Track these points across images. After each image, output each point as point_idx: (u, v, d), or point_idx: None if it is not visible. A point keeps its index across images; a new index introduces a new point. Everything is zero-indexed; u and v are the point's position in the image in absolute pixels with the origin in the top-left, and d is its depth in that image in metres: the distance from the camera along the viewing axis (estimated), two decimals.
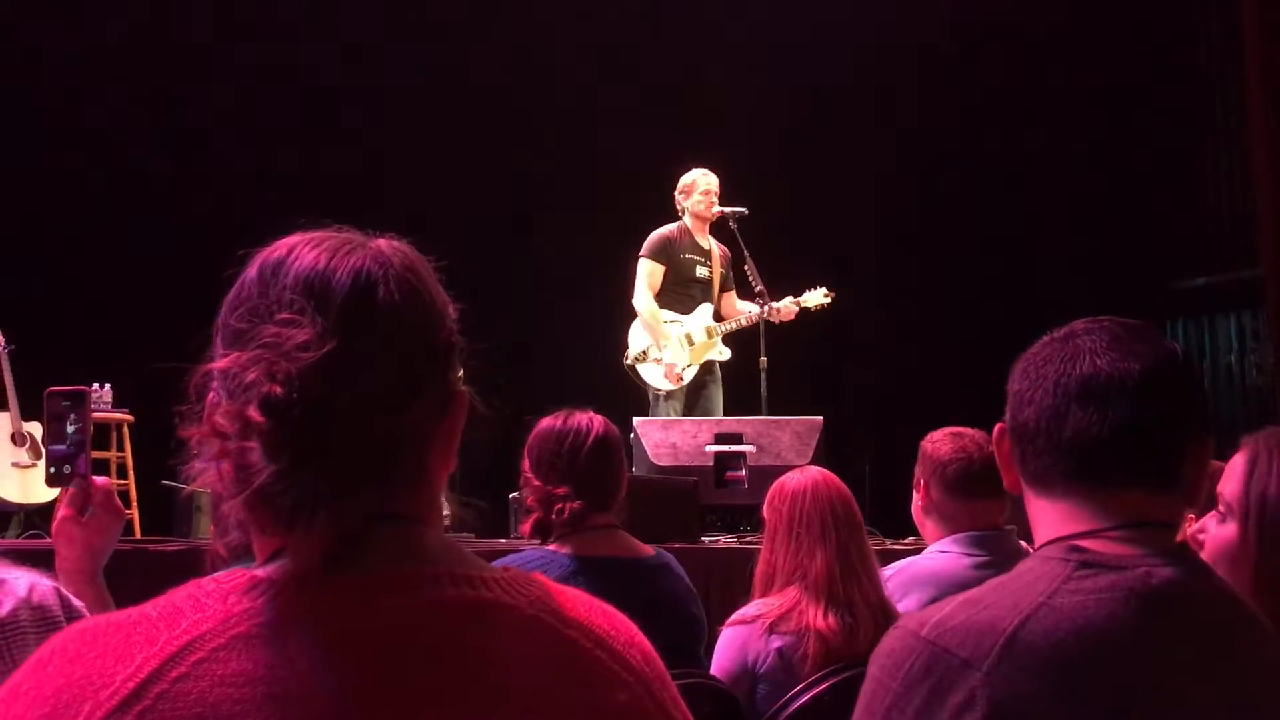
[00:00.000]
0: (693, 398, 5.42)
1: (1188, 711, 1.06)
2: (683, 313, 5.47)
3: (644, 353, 5.41)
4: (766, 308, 5.35)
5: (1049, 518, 1.18)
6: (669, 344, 5.36)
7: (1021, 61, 7.44)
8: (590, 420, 2.40)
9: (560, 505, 2.32)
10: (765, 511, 2.52)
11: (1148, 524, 1.14)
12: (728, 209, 5.46)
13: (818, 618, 2.33)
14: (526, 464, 2.41)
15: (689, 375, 5.38)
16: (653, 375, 5.40)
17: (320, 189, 6.23)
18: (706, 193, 5.50)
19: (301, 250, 0.84)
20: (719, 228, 5.59)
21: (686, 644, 2.41)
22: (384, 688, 0.75)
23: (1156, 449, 1.16)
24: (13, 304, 5.82)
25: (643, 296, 5.39)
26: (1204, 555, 1.53)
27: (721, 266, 5.57)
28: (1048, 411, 1.16)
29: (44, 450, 1.74)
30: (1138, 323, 1.21)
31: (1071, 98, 7.45)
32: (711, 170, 5.56)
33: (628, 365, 5.45)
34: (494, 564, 0.85)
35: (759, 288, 5.39)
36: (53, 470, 1.72)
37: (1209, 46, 7.38)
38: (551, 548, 2.36)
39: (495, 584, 0.82)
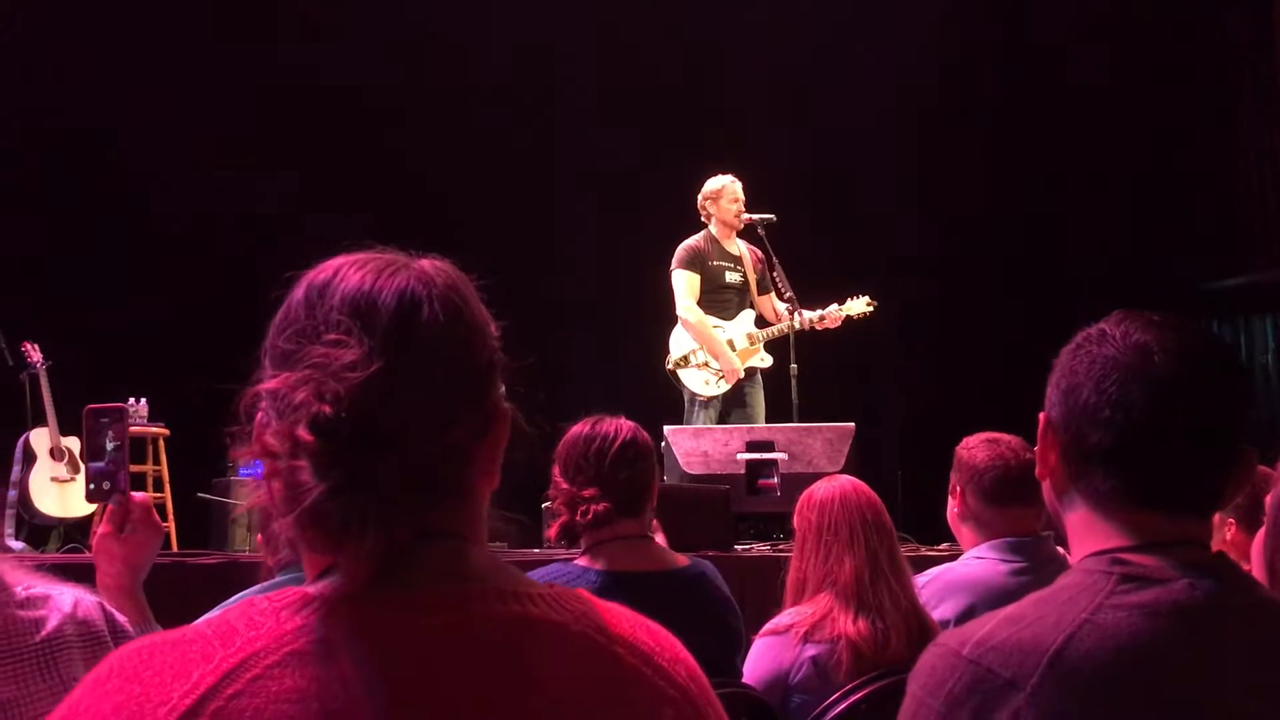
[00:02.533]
0: (731, 404, 5.41)
1: None
2: (723, 319, 5.48)
3: (685, 358, 5.41)
4: (798, 315, 5.35)
5: (1086, 529, 1.16)
6: (721, 350, 5.36)
7: (1057, 62, 7.40)
8: (618, 425, 2.39)
9: (585, 507, 2.30)
10: (795, 520, 2.52)
11: (1188, 540, 1.12)
12: (755, 215, 5.46)
13: (848, 624, 2.32)
14: (556, 470, 2.40)
15: (731, 380, 5.38)
16: (693, 380, 5.40)
17: (357, 209, 6.27)
18: (735, 200, 5.50)
19: (347, 271, 0.85)
20: (746, 234, 5.59)
21: (722, 656, 2.40)
22: (434, 703, 0.76)
23: (1201, 472, 1.13)
24: (50, 320, 5.90)
25: (687, 306, 5.39)
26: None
27: (755, 270, 5.56)
28: (1087, 414, 1.13)
29: (83, 466, 1.76)
30: (1181, 320, 1.16)
31: (1107, 98, 7.40)
32: (738, 177, 5.57)
33: (669, 370, 5.46)
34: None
35: (788, 294, 5.39)
36: (92, 486, 1.75)
37: (1247, 45, 7.31)
38: (580, 563, 2.34)
39: (541, 600, 0.82)
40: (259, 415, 0.82)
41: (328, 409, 0.77)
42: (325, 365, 0.78)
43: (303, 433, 0.76)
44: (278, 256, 0.90)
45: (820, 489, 2.51)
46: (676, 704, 0.83)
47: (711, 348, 5.38)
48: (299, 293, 0.86)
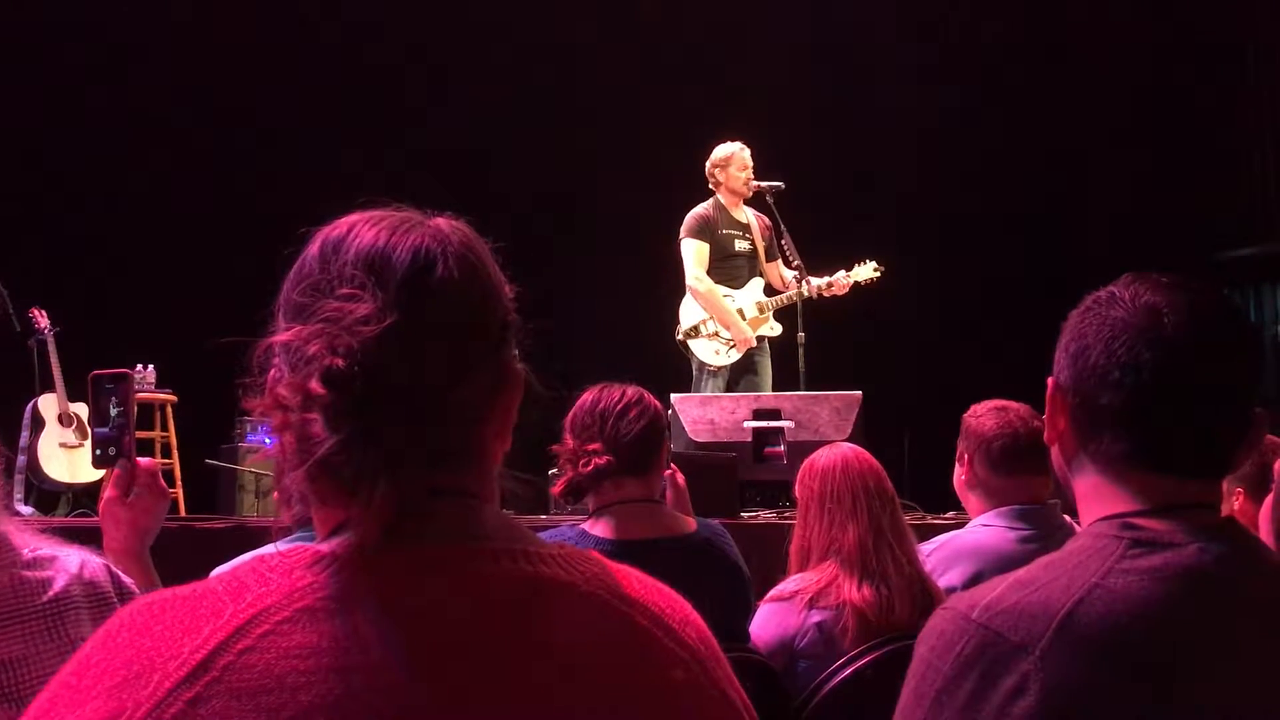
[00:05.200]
0: (739, 373, 5.40)
1: (1248, 693, 1.03)
2: (732, 288, 5.46)
3: (695, 328, 5.40)
4: (805, 283, 5.33)
5: (1096, 494, 1.15)
6: (732, 320, 5.35)
7: (1067, 31, 7.34)
8: (625, 388, 2.40)
9: (586, 459, 2.31)
10: (797, 489, 2.53)
11: (1198, 503, 1.11)
12: (764, 184, 5.43)
13: (852, 590, 2.33)
14: (565, 435, 2.41)
15: (743, 349, 5.37)
16: (704, 350, 5.39)
17: (367, 172, 6.25)
18: (744, 167, 5.46)
19: (361, 228, 0.85)
20: (754, 202, 5.56)
21: (730, 622, 2.40)
22: (444, 661, 0.76)
23: (1212, 435, 1.12)
24: (58, 286, 5.91)
25: (697, 276, 5.36)
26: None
27: (763, 237, 5.53)
28: (1097, 376, 1.12)
29: (89, 432, 1.77)
30: (1192, 282, 1.15)
31: (1117, 66, 7.34)
32: (746, 144, 5.52)
33: (679, 340, 5.44)
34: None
35: (796, 263, 5.36)
36: (98, 452, 1.76)
37: (1257, 16, 7.25)
38: (585, 526, 2.35)
39: (553, 560, 0.82)
40: (271, 369, 0.82)
41: (340, 362, 0.76)
42: (338, 319, 0.78)
43: (315, 385, 0.76)
44: (296, 221, 0.89)
45: (821, 457, 2.51)
46: (686, 665, 0.83)
47: (722, 317, 5.36)
48: (313, 248, 0.86)
